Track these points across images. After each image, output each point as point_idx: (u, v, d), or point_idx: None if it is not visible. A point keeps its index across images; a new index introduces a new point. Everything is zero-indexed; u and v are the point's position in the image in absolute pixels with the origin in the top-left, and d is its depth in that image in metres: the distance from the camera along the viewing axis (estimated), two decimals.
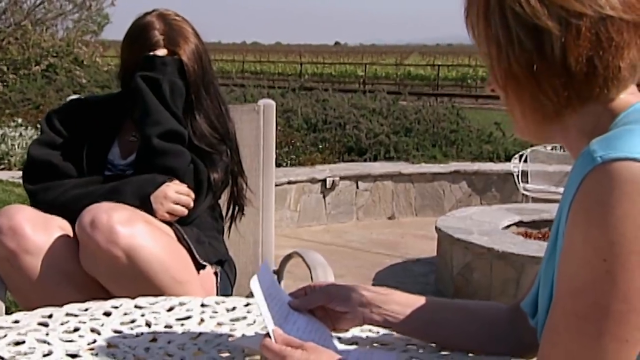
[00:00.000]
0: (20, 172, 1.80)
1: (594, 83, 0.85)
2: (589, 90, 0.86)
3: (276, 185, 2.30)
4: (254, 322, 1.23)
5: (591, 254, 0.78)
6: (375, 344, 1.16)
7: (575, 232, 0.80)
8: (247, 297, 1.39)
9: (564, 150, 5.73)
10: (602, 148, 0.79)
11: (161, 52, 1.75)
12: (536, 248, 3.76)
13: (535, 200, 5.47)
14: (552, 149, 5.80)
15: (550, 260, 0.92)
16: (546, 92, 0.86)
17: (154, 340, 1.15)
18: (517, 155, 5.87)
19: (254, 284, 1.01)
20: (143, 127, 1.70)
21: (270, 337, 0.98)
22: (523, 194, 5.63)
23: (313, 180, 6.00)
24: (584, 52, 0.83)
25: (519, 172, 5.70)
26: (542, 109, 0.88)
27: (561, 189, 5.35)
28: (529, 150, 5.84)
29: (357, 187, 6.28)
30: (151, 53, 1.74)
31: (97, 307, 1.29)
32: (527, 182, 5.71)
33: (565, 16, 0.83)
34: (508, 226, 4.46)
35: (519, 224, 4.55)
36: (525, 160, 5.77)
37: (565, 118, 0.89)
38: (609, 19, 0.83)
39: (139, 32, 1.78)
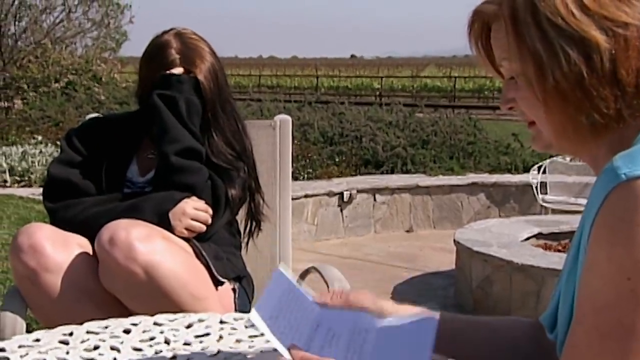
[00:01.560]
0: (40, 189, 1.82)
1: None
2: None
3: (293, 199, 2.31)
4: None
5: (615, 272, 0.77)
6: None
7: (599, 249, 0.79)
8: None
9: (573, 161, 5.68)
10: (626, 165, 0.77)
11: (177, 70, 1.77)
12: (556, 260, 3.72)
13: (555, 211, 5.43)
14: (570, 160, 5.76)
15: (571, 275, 0.91)
16: (597, 106, 0.83)
17: (174, 357, 1.15)
18: (535, 167, 5.83)
19: (254, 315, 0.97)
20: (161, 145, 1.72)
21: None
22: (542, 206, 5.59)
23: (330, 194, 6.00)
24: (634, 62, 0.82)
25: (537, 183, 5.65)
26: (589, 124, 0.85)
27: (580, 200, 5.30)
28: (547, 161, 5.80)
29: (375, 200, 6.26)
30: (168, 72, 1.76)
31: (117, 324, 1.29)
32: (546, 193, 5.66)
33: (611, 27, 0.81)
34: (527, 238, 4.42)
35: (538, 236, 4.51)
36: (544, 172, 5.73)
37: (609, 133, 0.86)
38: None
39: (156, 50, 1.80)
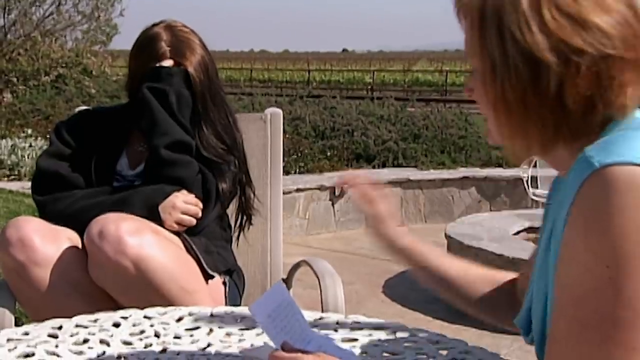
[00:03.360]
0: (30, 183, 1.80)
1: (592, 122, 0.84)
2: (585, 128, 0.84)
3: (285, 193, 2.31)
4: (263, 332, 1.22)
5: (593, 260, 0.76)
6: (385, 354, 1.16)
7: (576, 239, 0.79)
8: None
9: None
10: (598, 153, 0.78)
11: (167, 63, 1.76)
12: None
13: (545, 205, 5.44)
14: None
15: (542, 272, 0.90)
16: (535, 124, 0.85)
17: (164, 351, 1.15)
18: (526, 161, 5.85)
19: (255, 308, 1.02)
20: (151, 138, 1.71)
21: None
22: (533, 200, 5.60)
23: (322, 188, 6.00)
24: (582, 90, 0.82)
25: (528, 177, 5.67)
26: (529, 138, 0.86)
27: None
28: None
29: None
30: (157, 64, 1.75)
31: (107, 318, 1.29)
32: (536, 187, 5.68)
33: (565, 51, 0.81)
34: (518, 232, 4.43)
35: (529, 229, 4.52)
36: (535, 166, 5.74)
37: (551, 150, 0.87)
38: (610, 58, 0.81)
39: (146, 43, 1.79)
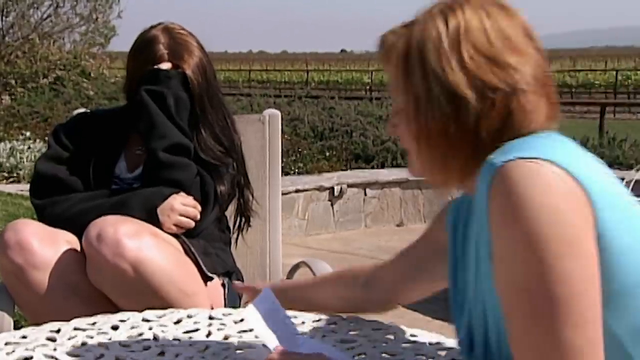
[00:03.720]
0: (29, 185, 1.80)
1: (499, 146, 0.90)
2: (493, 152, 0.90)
3: (284, 193, 2.31)
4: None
5: (521, 250, 0.81)
6: (384, 355, 1.16)
7: (500, 236, 0.83)
8: None
9: None
10: (497, 155, 0.85)
11: (165, 65, 1.76)
12: None
13: None
14: None
15: (477, 295, 0.93)
16: (454, 155, 0.91)
17: (162, 354, 1.15)
18: None
19: (248, 312, 1.03)
20: (149, 141, 1.71)
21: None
22: None
23: (321, 188, 6.00)
24: (495, 122, 0.89)
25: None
26: (449, 167, 0.92)
27: None
28: None
29: (365, 194, 6.26)
30: (155, 67, 1.75)
31: (105, 321, 1.29)
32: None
33: (482, 88, 0.89)
34: None
35: None
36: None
37: (467, 178, 0.93)
38: (522, 93, 0.90)
39: (144, 45, 1.79)
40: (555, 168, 0.82)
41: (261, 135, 2.09)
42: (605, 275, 0.82)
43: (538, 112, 0.91)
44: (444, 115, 0.90)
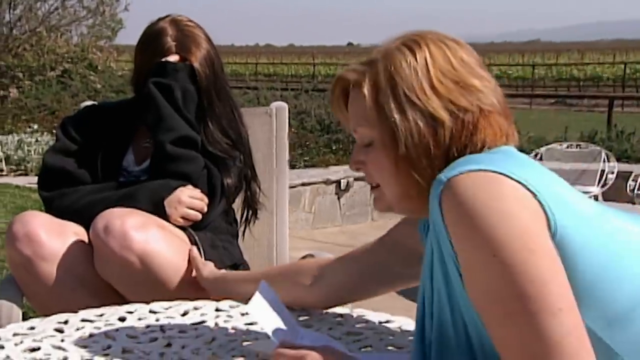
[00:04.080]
0: (37, 178, 1.81)
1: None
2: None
3: (290, 187, 2.30)
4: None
5: (482, 257, 0.84)
6: (389, 347, 1.16)
7: (463, 248, 0.87)
8: None
9: (580, 148, 5.68)
10: (444, 173, 0.90)
11: (173, 58, 1.75)
12: None
13: None
14: (568, 147, 5.76)
15: (453, 307, 0.94)
16: (435, 174, 0.93)
17: (169, 345, 1.15)
18: (532, 154, 5.82)
19: (251, 306, 1.03)
20: (156, 134, 1.71)
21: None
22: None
23: (327, 182, 6.00)
24: (464, 141, 0.96)
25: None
26: (421, 191, 0.96)
27: (577, 187, 5.24)
28: (543, 148, 5.79)
29: None
30: (163, 59, 1.75)
31: (112, 312, 1.29)
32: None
33: (453, 109, 0.96)
34: None
35: None
36: (541, 159, 5.72)
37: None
38: (489, 114, 0.97)
39: (151, 38, 1.79)
40: (500, 176, 0.86)
41: (268, 128, 2.08)
42: (567, 273, 0.84)
43: (501, 130, 0.98)
44: (424, 138, 0.95)
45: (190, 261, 1.55)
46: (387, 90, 0.97)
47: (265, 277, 1.32)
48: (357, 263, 1.26)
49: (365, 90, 0.99)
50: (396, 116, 0.96)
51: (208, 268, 1.48)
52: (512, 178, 0.86)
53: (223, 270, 1.50)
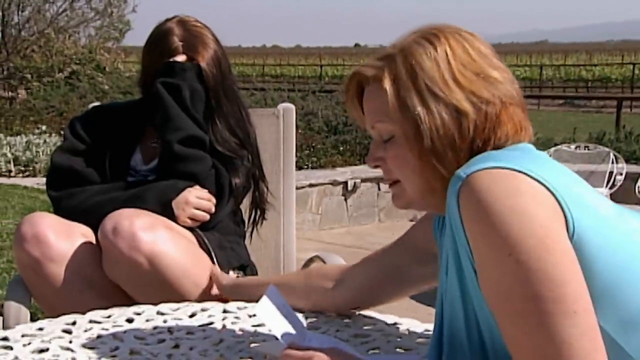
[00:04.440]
0: (45, 179, 1.81)
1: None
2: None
3: (297, 188, 2.31)
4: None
5: (497, 255, 0.83)
6: (397, 349, 1.15)
7: (478, 245, 0.86)
8: None
9: (588, 149, 5.65)
10: (463, 170, 0.89)
11: (180, 58, 1.76)
12: None
13: None
14: (576, 148, 5.73)
15: (466, 304, 0.93)
16: (459, 166, 0.92)
17: (176, 346, 1.15)
18: None
19: (259, 309, 1.03)
20: (164, 133, 1.71)
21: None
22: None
23: (334, 183, 5.99)
24: (487, 133, 0.95)
25: None
26: (443, 185, 0.94)
27: None
28: (552, 149, 5.77)
29: (379, 189, 6.25)
30: (171, 59, 1.75)
31: (120, 313, 1.29)
32: None
33: (475, 101, 0.95)
34: None
35: None
36: None
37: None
38: (509, 106, 0.97)
39: (159, 38, 1.79)
40: (519, 174, 0.86)
41: (275, 129, 2.08)
42: (584, 274, 0.83)
43: (520, 123, 0.98)
44: (449, 131, 0.94)
45: (200, 262, 1.55)
46: (408, 84, 0.96)
47: (285, 282, 1.33)
48: (376, 266, 1.26)
49: (386, 84, 0.98)
50: (420, 109, 0.95)
51: (225, 277, 1.51)
52: (531, 176, 0.85)
53: (241, 277, 1.52)
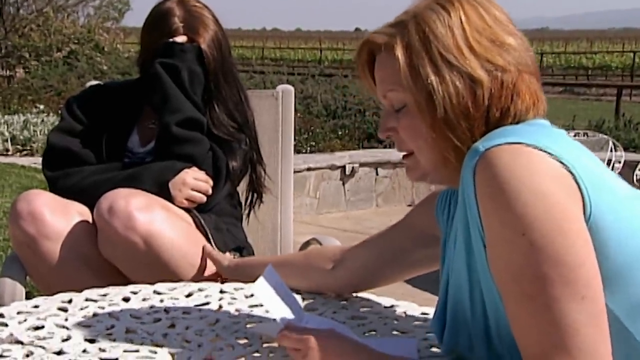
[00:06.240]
0: (42, 158, 1.80)
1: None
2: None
3: (295, 171, 2.30)
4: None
5: (511, 234, 0.81)
6: (394, 332, 1.15)
7: (491, 221, 0.84)
8: None
9: (587, 137, 5.65)
10: (481, 143, 0.86)
11: (180, 39, 1.74)
12: None
13: None
14: (575, 136, 5.72)
15: (472, 270, 0.92)
16: (474, 137, 0.91)
17: (172, 326, 1.15)
18: None
19: (256, 289, 1.02)
20: (162, 115, 1.70)
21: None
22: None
23: (332, 167, 5.99)
24: (504, 102, 0.92)
25: None
26: (460, 158, 0.91)
27: None
28: None
29: (377, 174, 6.25)
30: (170, 40, 1.73)
31: (116, 292, 1.29)
32: None
33: (491, 69, 0.92)
34: None
35: None
36: None
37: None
38: (526, 74, 0.94)
39: (158, 18, 1.77)
40: (539, 152, 0.83)
41: (274, 110, 2.07)
42: (598, 256, 0.82)
43: (536, 93, 0.95)
44: (463, 99, 0.91)
45: (196, 243, 1.54)
46: (421, 52, 0.93)
47: (285, 262, 1.32)
48: (377, 247, 1.25)
49: (398, 52, 0.94)
50: (433, 78, 0.92)
51: (226, 257, 1.50)
52: (550, 154, 0.83)
53: (240, 258, 1.51)
